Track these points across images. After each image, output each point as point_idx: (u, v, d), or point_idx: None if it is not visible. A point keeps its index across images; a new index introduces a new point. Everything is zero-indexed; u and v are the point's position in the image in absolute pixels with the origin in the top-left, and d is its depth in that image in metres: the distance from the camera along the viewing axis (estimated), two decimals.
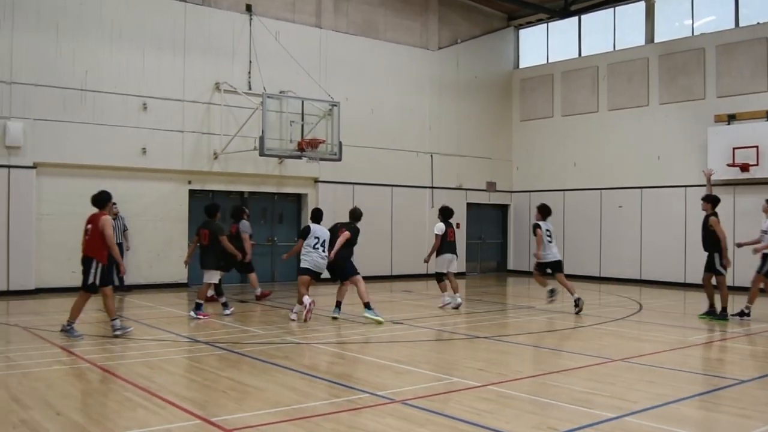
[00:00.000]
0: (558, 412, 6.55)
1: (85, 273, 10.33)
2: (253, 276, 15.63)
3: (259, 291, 15.66)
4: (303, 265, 12.42)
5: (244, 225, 15.15)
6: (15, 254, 15.73)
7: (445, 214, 14.79)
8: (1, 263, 15.59)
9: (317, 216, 13.04)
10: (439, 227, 14.49)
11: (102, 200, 10.56)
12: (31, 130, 16.07)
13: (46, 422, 6.06)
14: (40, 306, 14.21)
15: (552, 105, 24.21)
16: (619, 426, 6.10)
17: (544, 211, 14.46)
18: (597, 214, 22.63)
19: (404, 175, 22.14)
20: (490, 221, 25.22)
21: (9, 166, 15.84)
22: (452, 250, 14.52)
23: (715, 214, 13.04)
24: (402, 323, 12.18)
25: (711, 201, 13.26)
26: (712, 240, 12.97)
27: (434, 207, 20.62)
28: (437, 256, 14.45)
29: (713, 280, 13.11)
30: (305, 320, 11.99)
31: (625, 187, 21.94)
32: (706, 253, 13.15)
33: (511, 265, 25.36)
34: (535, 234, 14.14)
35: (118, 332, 10.45)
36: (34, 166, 16.11)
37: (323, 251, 12.38)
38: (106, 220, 10.30)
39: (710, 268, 13.01)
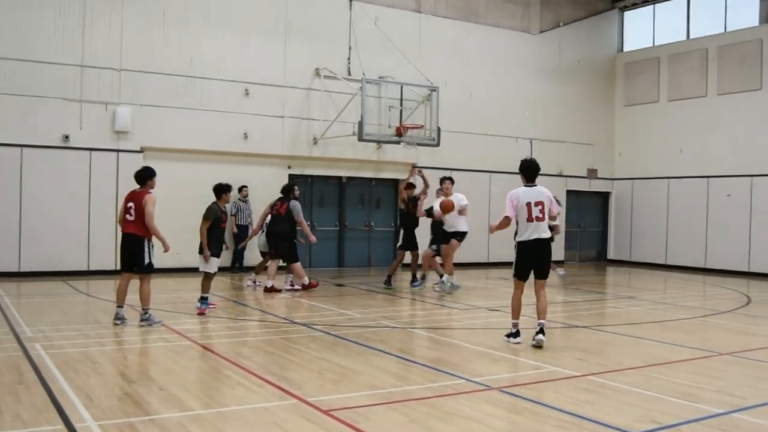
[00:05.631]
0: (661, 405, 6.31)
1: (139, 254, 9.73)
2: (297, 265, 14.08)
3: (306, 281, 14.24)
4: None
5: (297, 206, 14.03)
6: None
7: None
8: (110, 243, 16.17)
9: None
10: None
11: (144, 177, 10.04)
12: (138, 115, 16.65)
13: (148, 396, 6.26)
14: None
15: (658, 89, 23.37)
16: (727, 422, 5.84)
17: None
18: (704, 203, 21.75)
19: (503, 161, 21.76)
20: (590, 209, 24.61)
21: (118, 150, 16.47)
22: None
23: None
24: (498, 310, 12.02)
25: None
26: None
27: None
28: None
29: None
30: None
31: (734, 175, 20.96)
32: None
33: (611, 254, 24.67)
34: None
35: (144, 323, 9.78)
36: (141, 150, 16.67)
37: None
38: (150, 197, 9.78)
39: None
